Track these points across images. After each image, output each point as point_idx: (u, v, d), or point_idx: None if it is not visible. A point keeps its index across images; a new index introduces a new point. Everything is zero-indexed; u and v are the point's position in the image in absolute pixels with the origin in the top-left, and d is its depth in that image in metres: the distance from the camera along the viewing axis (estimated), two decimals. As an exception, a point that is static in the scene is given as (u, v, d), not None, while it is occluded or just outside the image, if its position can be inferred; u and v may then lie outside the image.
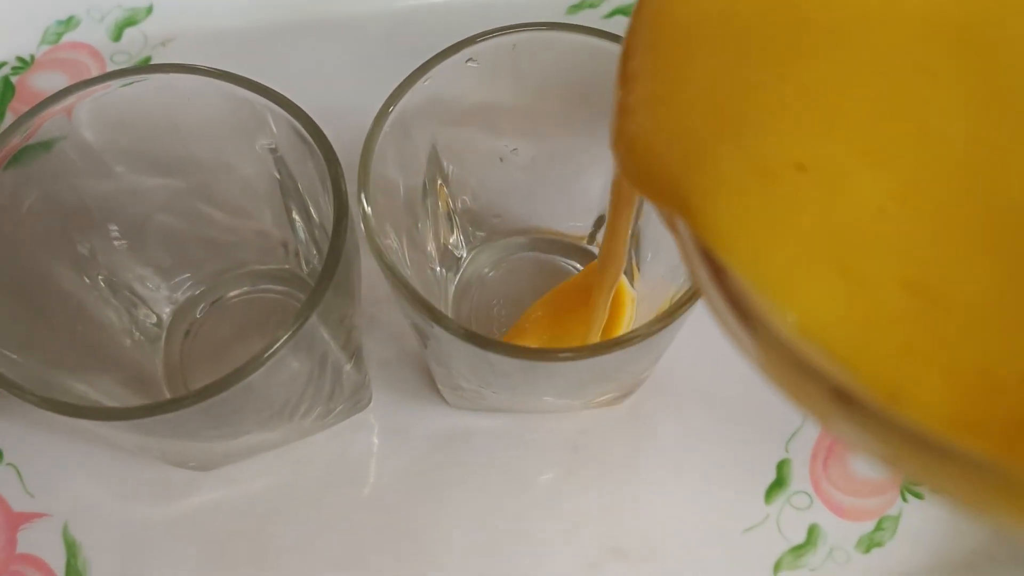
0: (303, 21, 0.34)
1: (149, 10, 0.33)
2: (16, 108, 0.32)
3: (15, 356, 0.20)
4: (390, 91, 0.21)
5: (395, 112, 0.21)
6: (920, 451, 0.09)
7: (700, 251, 0.12)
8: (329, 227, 0.23)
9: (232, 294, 0.28)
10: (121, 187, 0.24)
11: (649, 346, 0.19)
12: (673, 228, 0.12)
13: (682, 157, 0.12)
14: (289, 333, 0.19)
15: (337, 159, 0.20)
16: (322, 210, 0.24)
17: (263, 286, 0.29)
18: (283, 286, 0.28)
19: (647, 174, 0.12)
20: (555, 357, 0.19)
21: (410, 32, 0.34)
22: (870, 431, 0.10)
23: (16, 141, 0.20)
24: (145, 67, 0.21)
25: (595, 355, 0.18)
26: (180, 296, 0.28)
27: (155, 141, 0.23)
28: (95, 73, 0.33)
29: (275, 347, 0.18)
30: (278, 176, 0.24)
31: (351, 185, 0.20)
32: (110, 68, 0.33)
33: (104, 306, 0.25)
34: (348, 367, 0.24)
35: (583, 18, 0.34)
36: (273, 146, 0.22)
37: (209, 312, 0.28)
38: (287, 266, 0.28)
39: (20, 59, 0.33)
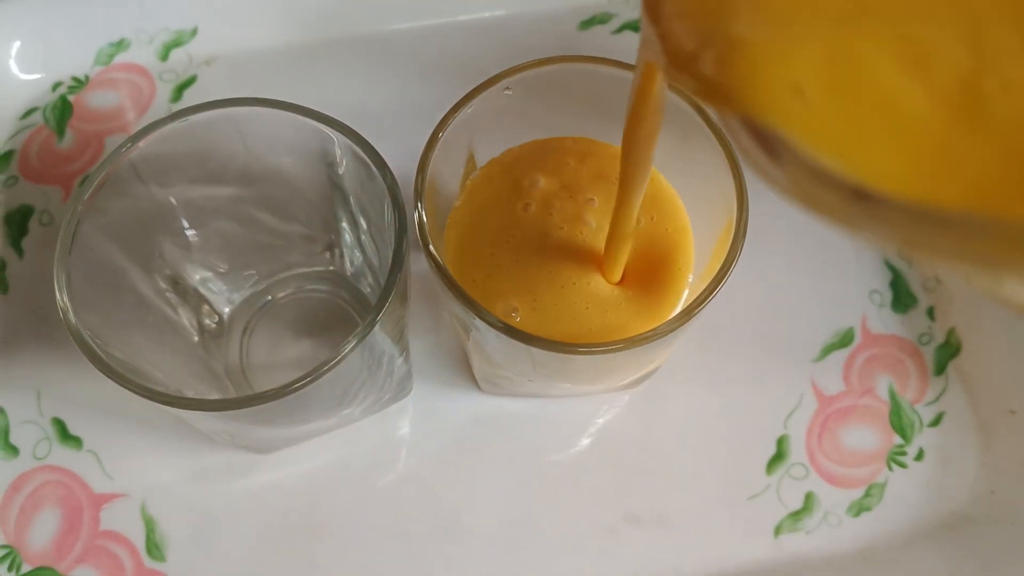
0: (333, 40, 0.36)
1: (194, 32, 0.36)
2: (75, 125, 0.34)
3: (117, 353, 0.22)
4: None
5: (444, 135, 0.24)
6: (933, 227, 0.12)
7: (740, 119, 0.14)
8: (376, 234, 0.25)
9: (282, 294, 0.31)
10: (189, 198, 0.26)
11: (673, 337, 0.22)
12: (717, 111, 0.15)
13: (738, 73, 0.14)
14: (358, 339, 0.21)
15: (397, 184, 0.22)
16: (371, 218, 0.26)
17: (309, 287, 0.31)
18: (328, 286, 0.31)
19: (709, 87, 0.15)
20: (581, 351, 0.21)
21: (433, 47, 0.36)
22: (887, 220, 0.12)
23: (110, 169, 0.23)
24: (222, 101, 0.23)
25: (628, 348, 0.21)
26: (237, 297, 0.30)
27: (224, 157, 0.25)
28: (146, 91, 0.35)
29: (348, 349, 0.21)
30: (333, 190, 0.26)
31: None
32: (159, 86, 0.35)
33: (176, 308, 0.27)
34: (399, 360, 0.27)
35: (594, 33, 0.36)
36: (333, 164, 0.25)
37: (263, 311, 0.31)
38: (332, 268, 0.31)
39: (75, 79, 0.35)
